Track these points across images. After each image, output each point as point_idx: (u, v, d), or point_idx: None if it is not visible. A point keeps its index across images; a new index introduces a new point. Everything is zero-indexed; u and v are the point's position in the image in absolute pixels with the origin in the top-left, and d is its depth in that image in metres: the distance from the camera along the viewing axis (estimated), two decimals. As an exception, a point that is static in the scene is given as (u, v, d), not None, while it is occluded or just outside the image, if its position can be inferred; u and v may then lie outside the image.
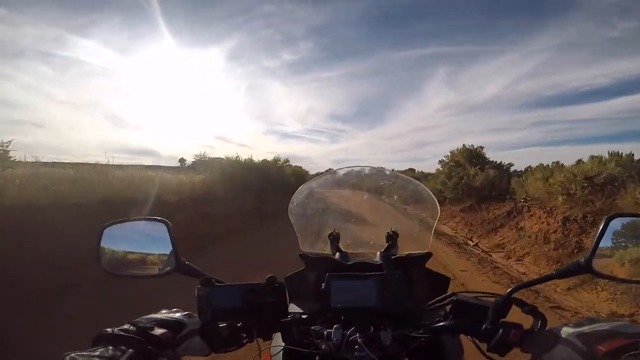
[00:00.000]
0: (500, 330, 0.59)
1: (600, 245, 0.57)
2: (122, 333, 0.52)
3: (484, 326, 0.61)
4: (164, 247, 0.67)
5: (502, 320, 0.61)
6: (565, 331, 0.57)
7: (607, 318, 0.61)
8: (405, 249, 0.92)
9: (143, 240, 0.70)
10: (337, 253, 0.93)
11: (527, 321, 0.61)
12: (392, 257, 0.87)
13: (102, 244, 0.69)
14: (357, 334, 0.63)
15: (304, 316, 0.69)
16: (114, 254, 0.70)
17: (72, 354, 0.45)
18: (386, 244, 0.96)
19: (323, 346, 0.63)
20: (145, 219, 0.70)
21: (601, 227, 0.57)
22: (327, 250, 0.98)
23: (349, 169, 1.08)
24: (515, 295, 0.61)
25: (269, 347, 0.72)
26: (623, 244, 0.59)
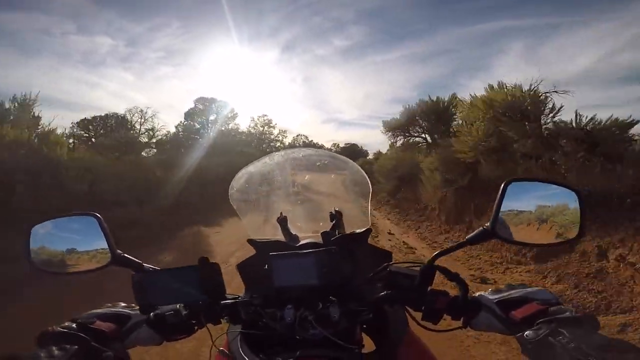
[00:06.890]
0: (428, 298, 0.63)
1: (502, 209, 0.59)
2: (64, 330, 0.52)
3: (414, 295, 0.63)
4: (98, 241, 0.66)
5: (431, 288, 0.64)
6: (486, 298, 0.62)
7: (522, 284, 0.63)
8: (351, 227, 0.94)
9: (75, 236, 0.68)
10: (288, 236, 0.94)
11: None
12: (337, 236, 0.90)
13: (31, 245, 0.66)
14: (307, 312, 0.65)
15: (254, 300, 0.69)
16: (46, 252, 0.68)
17: (15, 354, 0.45)
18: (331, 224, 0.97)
19: (278, 327, 0.64)
20: (74, 214, 0.68)
21: (500, 193, 0.59)
22: (279, 234, 0.98)
23: (288, 151, 1.08)
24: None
25: (227, 333, 0.72)
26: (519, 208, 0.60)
